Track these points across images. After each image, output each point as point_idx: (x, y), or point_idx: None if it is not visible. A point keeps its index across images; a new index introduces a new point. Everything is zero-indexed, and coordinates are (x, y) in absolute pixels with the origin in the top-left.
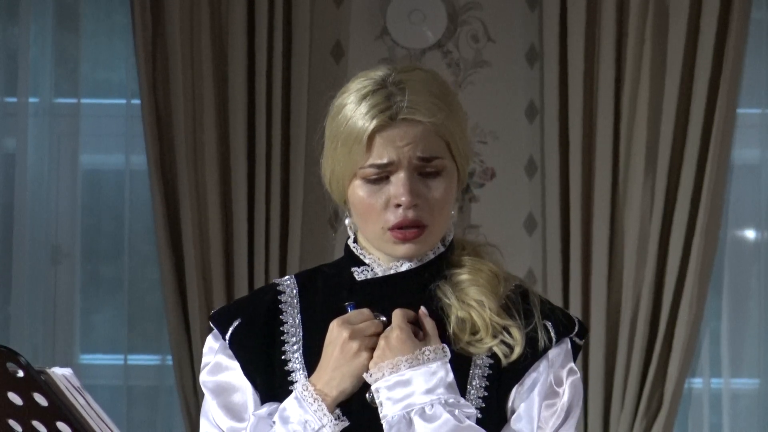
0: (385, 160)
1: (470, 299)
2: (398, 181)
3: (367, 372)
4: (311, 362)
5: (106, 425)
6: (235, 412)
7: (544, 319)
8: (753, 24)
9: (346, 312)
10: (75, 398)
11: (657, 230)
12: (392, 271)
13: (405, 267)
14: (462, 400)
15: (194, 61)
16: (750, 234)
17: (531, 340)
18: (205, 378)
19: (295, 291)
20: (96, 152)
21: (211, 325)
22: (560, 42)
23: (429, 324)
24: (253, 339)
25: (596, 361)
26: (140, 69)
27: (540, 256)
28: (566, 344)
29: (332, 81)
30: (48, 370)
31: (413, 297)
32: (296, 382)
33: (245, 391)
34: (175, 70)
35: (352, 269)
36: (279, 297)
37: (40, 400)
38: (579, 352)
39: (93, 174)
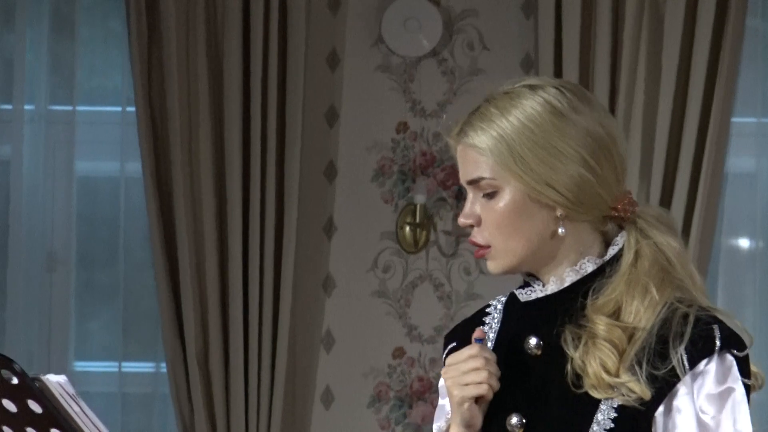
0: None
1: (591, 354)
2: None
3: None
4: None
5: None
6: None
7: (679, 346)
8: (748, 32)
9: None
10: (69, 405)
11: None
12: (542, 294)
13: (550, 290)
14: None
15: (190, 68)
16: (744, 243)
17: (662, 379)
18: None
19: (500, 308)
20: (91, 159)
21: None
22: (555, 50)
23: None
24: None
25: None
26: (136, 76)
27: None
28: (715, 366)
29: (328, 89)
30: (42, 378)
31: (562, 319)
32: None
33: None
34: (170, 77)
35: (516, 291)
36: (484, 319)
37: (35, 407)
38: (743, 363)
39: (88, 181)
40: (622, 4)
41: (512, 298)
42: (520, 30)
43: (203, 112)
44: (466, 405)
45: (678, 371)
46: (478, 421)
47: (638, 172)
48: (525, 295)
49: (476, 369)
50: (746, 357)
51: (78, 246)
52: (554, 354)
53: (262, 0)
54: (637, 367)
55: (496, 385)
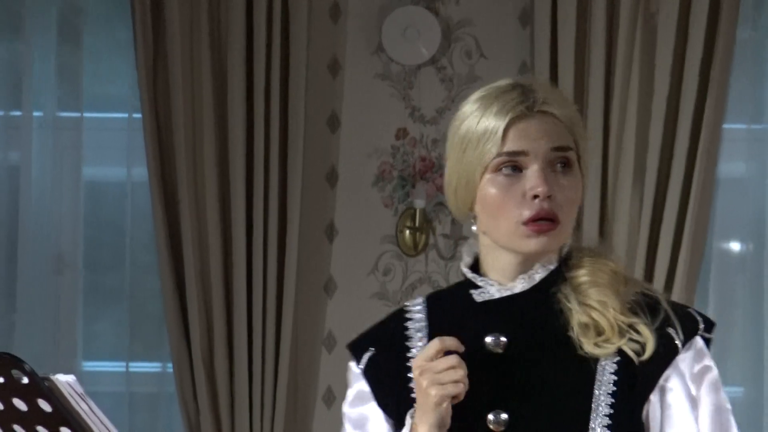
0: (516, 148)
1: (591, 300)
2: (534, 173)
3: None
4: None
5: (109, 431)
6: None
7: (668, 327)
8: (738, 41)
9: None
10: (78, 404)
11: (645, 242)
12: (507, 293)
13: (518, 288)
14: None
15: (194, 76)
16: (735, 246)
17: (660, 343)
18: (345, 409)
19: (423, 315)
20: (98, 165)
21: (350, 354)
22: (551, 58)
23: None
24: (384, 369)
25: None
26: (141, 84)
27: None
28: (694, 346)
29: (329, 96)
30: (52, 377)
31: (533, 315)
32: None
33: (379, 421)
34: (175, 85)
35: (470, 291)
36: (406, 324)
37: (45, 406)
38: (710, 344)
39: (95, 186)
40: (617, 14)
41: (435, 302)
42: (517, 39)
43: (207, 119)
44: (444, 404)
45: (676, 340)
46: (449, 420)
47: (632, 177)
48: (486, 295)
49: (452, 367)
50: (710, 340)
51: (85, 249)
52: (524, 350)
53: (264, 9)
54: (639, 312)
55: (467, 383)
